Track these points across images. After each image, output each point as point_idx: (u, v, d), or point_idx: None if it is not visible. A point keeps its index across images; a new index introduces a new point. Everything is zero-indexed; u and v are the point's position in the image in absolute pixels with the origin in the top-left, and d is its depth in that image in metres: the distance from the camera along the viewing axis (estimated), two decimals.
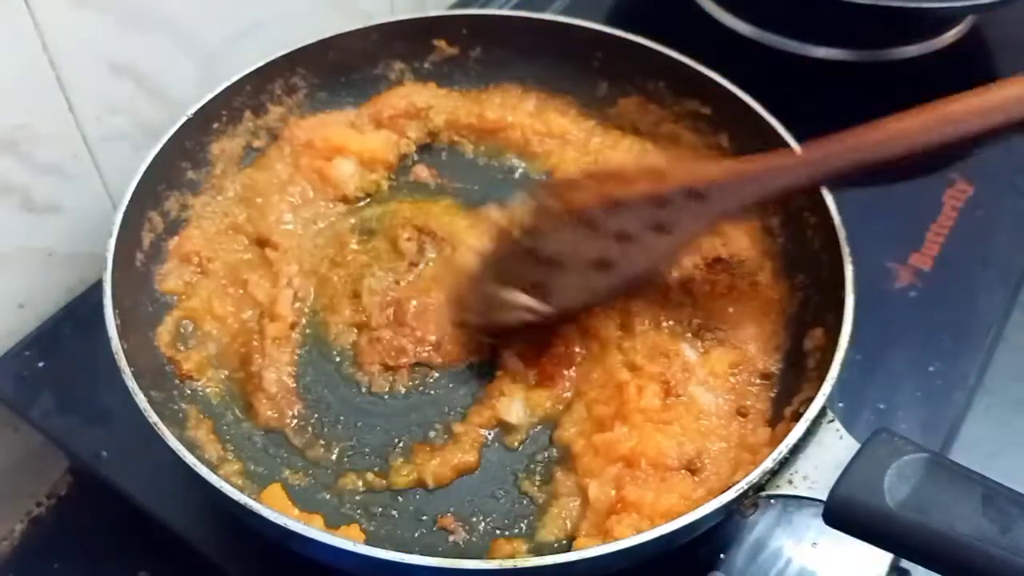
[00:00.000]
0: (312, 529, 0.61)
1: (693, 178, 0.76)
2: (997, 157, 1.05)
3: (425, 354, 0.80)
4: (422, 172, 0.95)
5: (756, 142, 0.87)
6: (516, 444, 0.76)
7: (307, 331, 0.82)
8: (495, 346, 0.80)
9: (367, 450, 0.75)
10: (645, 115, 0.95)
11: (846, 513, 0.61)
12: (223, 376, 0.79)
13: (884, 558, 0.73)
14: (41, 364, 0.83)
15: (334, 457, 0.75)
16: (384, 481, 0.74)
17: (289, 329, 0.81)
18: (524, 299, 0.76)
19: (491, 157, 0.97)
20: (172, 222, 0.85)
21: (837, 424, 0.66)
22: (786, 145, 0.83)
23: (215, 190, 0.88)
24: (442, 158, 0.97)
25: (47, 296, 0.88)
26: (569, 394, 0.78)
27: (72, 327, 0.86)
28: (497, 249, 0.81)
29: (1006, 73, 1.14)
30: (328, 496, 0.73)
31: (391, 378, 0.79)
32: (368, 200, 0.92)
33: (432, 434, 0.76)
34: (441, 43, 0.97)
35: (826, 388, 0.67)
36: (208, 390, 0.78)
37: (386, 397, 0.78)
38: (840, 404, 0.80)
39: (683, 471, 0.71)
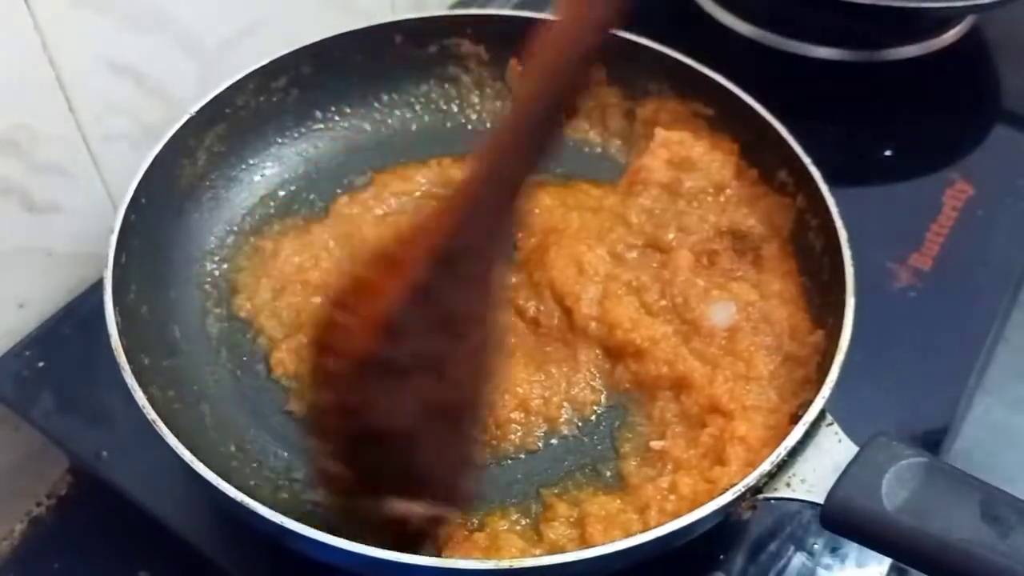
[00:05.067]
0: (311, 529, 0.60)
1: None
2: (997, 157, 1.04)
3: None
4: None
5: (759, 143, 0.87)
6: None
7: None
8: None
9: None
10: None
11: (843, 517, 0.61)
12: None
13: (883, 561, 0.73)
14: (41, 364, 0.83)
15: None
16: None
17: None
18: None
19: None
20: None
21: (836, 428, 0.66)
22: (788, 146, 0.83)
23: None
24: None
25: (47, 296, 0.88)
26: None
27: (72, 327, 0.86)
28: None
29: (1006, 73, 1.15)
30: None
31: None
32: None
33: None
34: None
35: (825, 391, 0.67)
36: None
37: None
38: (839, 404, 0.79)
39: None
